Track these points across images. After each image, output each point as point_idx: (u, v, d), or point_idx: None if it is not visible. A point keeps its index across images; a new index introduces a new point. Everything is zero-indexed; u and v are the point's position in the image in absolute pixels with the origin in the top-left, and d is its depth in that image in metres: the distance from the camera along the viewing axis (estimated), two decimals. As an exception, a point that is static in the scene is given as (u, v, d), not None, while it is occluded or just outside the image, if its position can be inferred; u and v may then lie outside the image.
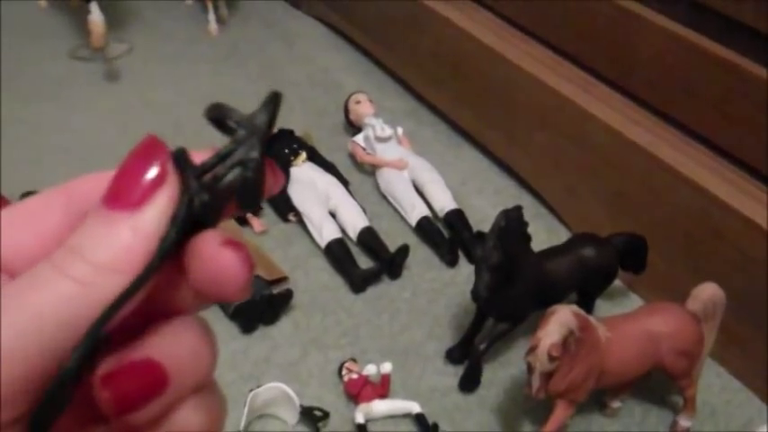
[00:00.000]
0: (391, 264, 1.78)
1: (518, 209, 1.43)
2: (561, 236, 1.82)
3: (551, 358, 1.25)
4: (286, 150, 1.97)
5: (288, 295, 1.67)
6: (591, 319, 1.34)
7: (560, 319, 1.27)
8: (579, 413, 1.50)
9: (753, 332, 1.55)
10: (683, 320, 1.39)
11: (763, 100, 1.52)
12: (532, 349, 1.26)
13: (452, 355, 1.61)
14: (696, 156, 1.66)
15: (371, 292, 1.77)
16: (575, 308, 1.31)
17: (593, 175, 1.84)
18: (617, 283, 1.77)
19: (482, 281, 1.39)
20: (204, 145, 0.27)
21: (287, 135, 2.03)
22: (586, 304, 1.56)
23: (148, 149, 0.26)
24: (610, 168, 1.79)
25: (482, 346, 1.52)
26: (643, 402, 1.56)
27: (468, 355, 1.57)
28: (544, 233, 1.85)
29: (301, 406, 1.45)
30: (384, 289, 1.78)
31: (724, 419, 1.54)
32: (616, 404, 1.53)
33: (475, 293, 1.41)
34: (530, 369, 1.29)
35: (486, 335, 1.53)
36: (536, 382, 1.28)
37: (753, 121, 1.56)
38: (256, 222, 1.92)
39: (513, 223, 1.40)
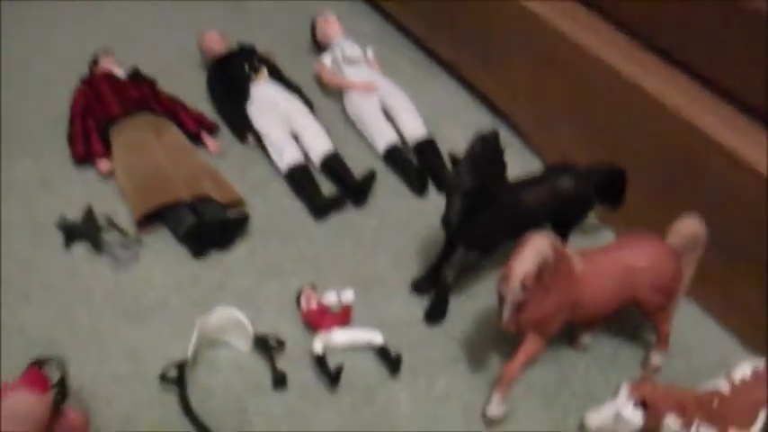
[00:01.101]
0: (357, 191, 1.68)
1: (495, 134, 1.34)
2: (534, 168, 1.73)
3: (524, 288, 1.17)
4: (246, 66, 1.85)
5: (243, 219, 1.57)
6: (566, 249, 1.26)
7: (535, 248, 1.18)
8: (549, 346, 1.43)
9: (730, 270, 1.49)
10: (661, 255, 1.32)
11: (754, 32, 1.44)
12: (505, 278, 1.18)
13: (418, 286, 1.53)
14: (680, 87, 1.57)
15: (334, 219, 1.68)
16: (550, 236, 1.22)
17: (570, 105, 1.75)
18: (591, 218, 1.69)
19: (453, 207, 1.31)
20: None
21: (247, 50, 1.90)
22: (561, 236, 1.48)
23: None
24: (588, 97, 1.70)
25: (450, 276, 1.44)
26: (614, 338, 1.50)
27: (435, 286, 1.49)
28: (517, 165, 1.75)
29: (255, 334, 1.36)
30: (348, 217, 1.69)
31: (697, 357, 1.48)
32: (587, 339, 1.46)
33: (445, 220, 1.32)
34: (501, 299, 1.21)
35: (454, 265, 1.45)
36: (507, 312, 1.20)
37: (741, 54, 1.48)
38: (211, 143, 1.81)
39: (489, 148, 1.31)
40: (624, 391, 1.06)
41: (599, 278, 1.28)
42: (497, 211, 1.37)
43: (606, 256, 1.31)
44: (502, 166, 1.36)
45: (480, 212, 1.34)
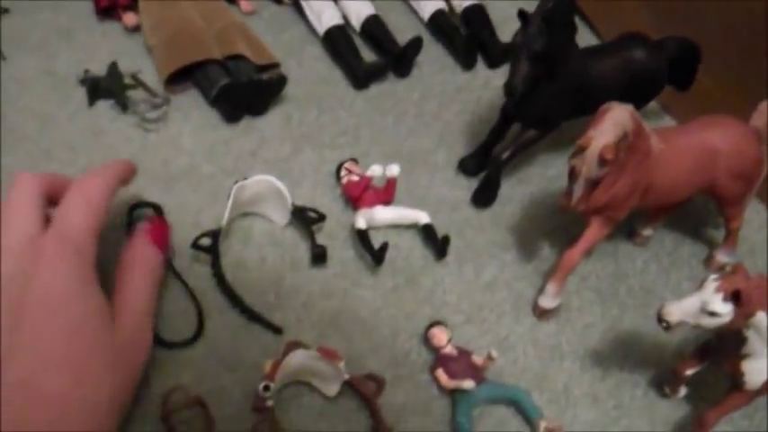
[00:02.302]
0: (400, 59, 1.54)
1: (569, -11, 1.19)
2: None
3: (603, 162, 1.04)
4: None
5: (280, 81, 1.43)
6: (645, 125, 1.13)
7: (617, 118, 1.05)
8: (606, 239, 1.31)
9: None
10: (744, 138, 1.20)
11: None
12: (581, 149, 1.05)
13: (466, 166, 1.41)
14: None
15: (375, 89, 1.54)
16: (632, 108, 1.09)
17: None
18: (651, 103, 1.56)
19: (520, 71, 1.17)
20: None
21: None
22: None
23: None
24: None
25: (504, 156, 1.31)
26: (675, 232, 1.39)
27: (485, 167, 1.37)
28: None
29: (293, 205, 1.25)
30: (390, 87, 1.55)
31: (763, 257, 1.38)
32: (647, 232, 1.35)
33: (509, 87, 1.18)
34: (572, 174, 1.08)
35: (509, 143, 1.32)
36: (579, 189, 1.08)
37: None
38: (244, 2, 1.65)
39: (562, 5, 1.16)
40: (712, 283, 0.95)
41: (677, 159, 1.16)
42: (565, 82, 1.23)
43: (686, 137, 1.18)
44: (573, 29, 1.22)
45: (547, 81, 1.21)
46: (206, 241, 1.18)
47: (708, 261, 1.34)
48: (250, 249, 1.24)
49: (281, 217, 1.26)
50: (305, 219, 1.25)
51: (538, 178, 1.41)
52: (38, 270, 0.85)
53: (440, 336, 1.14)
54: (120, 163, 1.11)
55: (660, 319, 0.97)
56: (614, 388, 1.18)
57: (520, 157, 1.36)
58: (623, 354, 1.21)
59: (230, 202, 1.19)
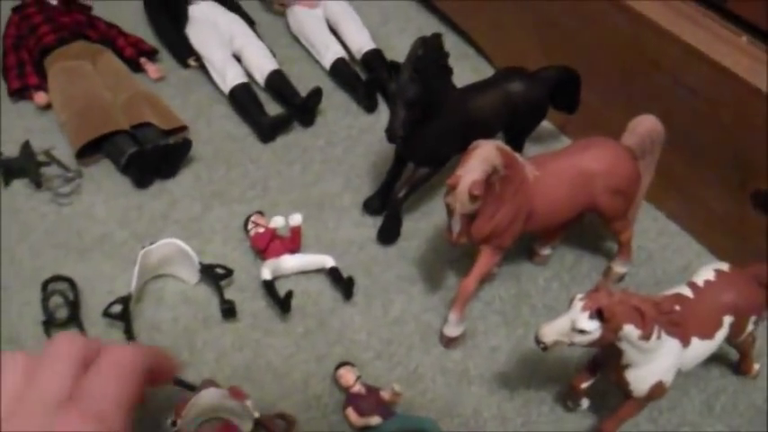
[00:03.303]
0: (303, 109, 1.61)
1: (437, 36, 1.26)
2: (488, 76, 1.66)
3: (473, 198, 1.10)
4: (183, -15, 1.75)
5: (186, 144, 1.49)
6: (517, 155, 1.19)
7: (483, 155, 1.12)
8: (507, 261, 1.39)
9: (690, 171, 1.44)
10: (617, 156, 1.26)
11: None
12: (451, 188, 1.12)
13: (370, 206, 1.47)
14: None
15: (281, 141, 1.60)
16: (499, 143, 1.16)
17: (521, 7, 1.66)
18: (547, 124, 1.63)
19: (397, 118, 1.23)
20: None
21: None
22: (515, 145, 1.41)
23: None
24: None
25: (401, 194, 1.38)
26: (574, 249, 1.45)
27: (387, 205, 1.43)
28: (470, 74, 1.69)
29: (201, 263, 1.30)
30: (295, 137, 1.61)
31: (661, 264, 1.44)
32: (546, 251, 1.41)
33: (390, 132, 1.25)
34: (449, 211, 1.15)
35: (405, 182, 1.39)
36: (456, 225, 1.14)
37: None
38: (152, 68, 1.72)
39: (431, 52, 1.24)
40: (578, 301, 1.01)
41: (553, 184, 1.22)
42: (445, 121, 1.30)
43: (560, 161, 1.25)
44: (447, 71, 1.28)
45: (427, 123, 1.27)
46: (117, 308, 1.24)
47: (606, 273, 1.40)
48: (163, 310, 1.29)
49: (190, 276, 1.32)
50: (213, 275, 1.30)
51: (440, 211, 1.45)
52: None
53: (347, 376, 1.19)
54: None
55: (537, 341, 1.02)
56: (522, 407, 1.23)
57: (420, 192, 1.43)
58: (529, 373, 1.27)
59: (137, 268, 1.25)
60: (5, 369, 0.91)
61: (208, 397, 1.09)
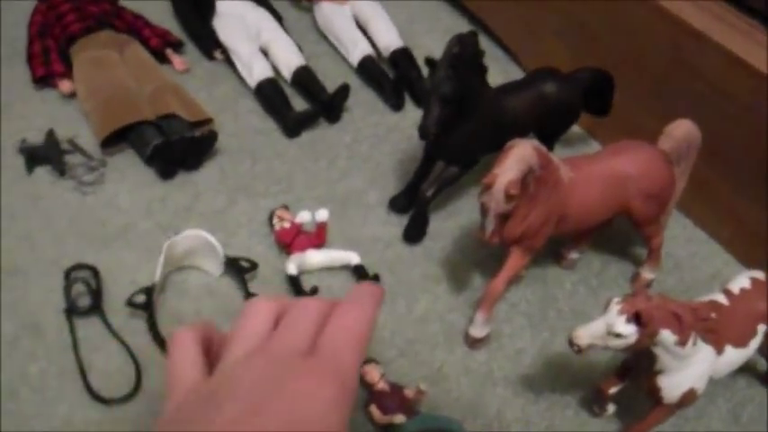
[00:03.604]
0: (330, 105, 1.59)
1: (473, 33, 1.25)
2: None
3: (509, 197, 1.09)
4: (211, -23, 1.74)
5: (211, 137, 1.48)
6: (553, 156, 1.18)
7: (520, 154, 1.10)
8: (534, 264, 1.38)
9: (722, 179, 1.42)
10: (653, 160, 1.25)
11: None
12: (487, 187, 1.10)
13: (396, 204, 1.45)
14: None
15: (307, 136, 1.59)
16: (536, 143, 1.14)
17: (552, 7, 1.65)
18: (577, 128, 1.62)
19: (431, 114, 1.22)
20: None
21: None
22: (546, 147, 1.39)
23: None
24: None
25: (429, 193, 1.36)
26: (602, 254, 1.44)
27: (414, 204, 1.41)
28: (500, 77, 1.67)
29: (226, 256, 1.29)
30: (321, 133, 1.60)
31: (689, 272, 1.43)
32: (574, 255, 1.40)
33: (423, 129, 1.23)
34: (483, 210, 1.13)
35: (433, 180, 1.37)
36: (490, 224, 1.13)
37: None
38: (177, 60, 1.71)
39: (468, 50, 1.22)
40: (615, 305, 0.99)
41: (588, 186, 1.21)
42: (478, 120, 1.29)
43: (595, 164, 1.23)
44: (482, 70, 1.27)
45: (460, 121, 1.26)
46: (141, 298, 1.22)
47: (634, 279, 1.39)
48: (186, 302, 1.28)
49: (215, 268, 1.30)
50: (238, 268, 1.29)
51: (467, 211, 1.46)
52: (297, 386, 0.70)
53: (372, 373, 1.18)
54: (374, 287, 1.09)
55: (571, 344, 1.01)
56: (546, 410, 1.21)
57: (448, 191, 1.41)
58: (554, 376, 1.25)
59: (161, 258, 1.23)
60: (250, 313, 0.88)
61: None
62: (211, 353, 0.97)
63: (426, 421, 1.15)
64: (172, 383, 0.87)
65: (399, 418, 1.12)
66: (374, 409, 1.15)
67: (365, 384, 1.19)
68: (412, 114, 1.64)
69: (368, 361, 1.20)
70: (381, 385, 1.17)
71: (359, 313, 1.00)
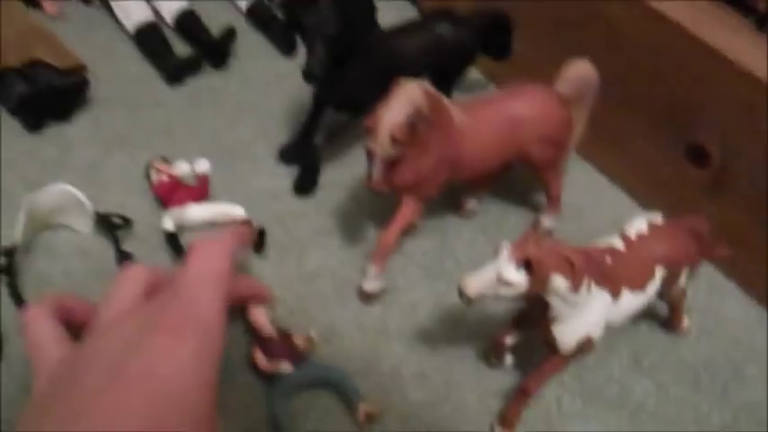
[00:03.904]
0: (215, 50, 1.49)
1: (358, -32, 1.17)
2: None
3: (394, 141, 1.02)
4: None
5: (83, 84, 1.37)
6: (443, 98, 1.11)
7: (406, 96, 1.03)
8: (431, 214, 1.32)
9: (623, 122, 1.39)
10: (549, 103, 1.19)
11: None
12: (371, 130, 1.03)
13: (285, 155, 1.37)
14: None
15: (191, 84, 1.49)
16: (425, 84, 1.07)
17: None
18: (477, 74, 1.56)
19: (315, 56, 1.14)
20: None
21: None
22: (443, 92, 1.32)
23: None
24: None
25: (319, 141, 1.29)
26: (501, 202, 1.39)
27: (304, 154, 1.33)
28: (394, 17, 1.59)
29: (96, 213, 1.19)
30: (206, 81, 1.50)
31: (591, 218, 1.39)
32: (472, 204, 1.34)
33: (307, 72, 1.15)
34: (369, 156, 1.06)
35: (323, 129, 1.30)
36: (377, 171, 1.06)
37: None
38: (49, 4, 1.58)
39: (353, -15, 1.14)
40: (505, 251, 0.93)
41: (481, 130, 1.15)
42: (368, 63, 1.21)
43: (489, 107, 1.17)
44: (370, 8, 1.19)
45: (348, 64, 1.18)
46: (1, 260, 1.12)
47: (534, 227, 1.34)
48: (54, 263, 1.18)
49: (85, 226, 1.20)
50: (110, 225, 1.19)
51: (361, 160, 1.39)
52: (153, 341, 0.66)
53: (258, 316, 1.09)
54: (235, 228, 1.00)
55: (461, 294, 0.95)
56: (443, 364, 1.16)
57: (341, 140, 1.34)
58: (451, 329, 1.20)
59: (21, 216, 1.13)
60: (120, 281, 0.82)
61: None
62: (75, 322, 0.88)
63: (313, 370, 1.09)
64: (36, 365, 0.80)
65: (285, 367, 1.05)
66: (258, 355, 1.07)
67: (251, 329, 1.11)
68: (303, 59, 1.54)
69: (255, 304, 1.12)
70: (269, 331, 1.09)
71: (213, 252, 0.93)
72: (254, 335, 1.09)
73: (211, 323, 0.76)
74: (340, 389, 1.09)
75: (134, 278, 0.91)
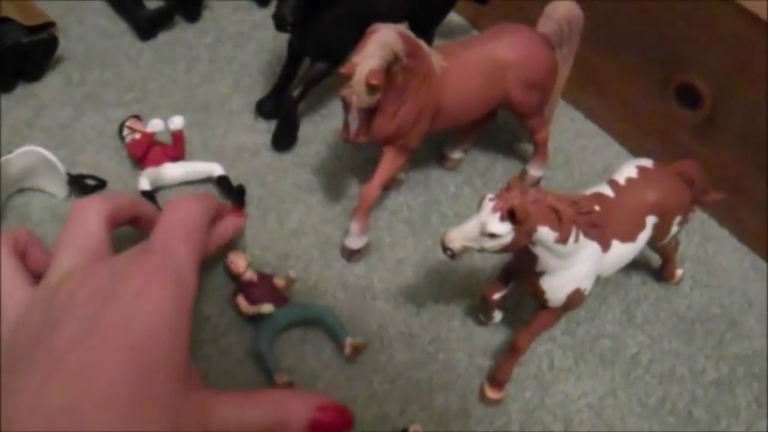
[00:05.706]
0: (187, 1, 1.44)
1: None
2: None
3: (371, 88, 0.97)
4: None
5: (51, 42, 1.32)
6: (422, 43, 1.06)
7: (382, 40, 0.99)
8: (415, 167, 1.28)
9: (611, 66, 1.34)
10: (533, 45, 1.15)
11: None
12: (346, 78, 0.98)
13: (263, 108, 1.32)
14: None
15: (163, 38, 1.44)
16: (401, 28, 1.03)
17: None
18: (458, 18, 1.51)
19: (286, 1, 1.09)
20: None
21: None
22: (424, 38, 1.27)
23: None
24: None
25: (296, 93, 1.24)
26: (487, 152, 1.35)
27: (282, 107, 1.29)
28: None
29: (69, 174, 1.15)
30: (179, 34, 1.45)
31: (579, 167, 1.35)
32: (457, 155, 1.30)
33: (278, 18, 1.10)
34: (345, 107, 1.02)
35: (300, 79, 1.25)
36: (354, 122, 1.01)
37: None
38: (14, -42, 1.51)
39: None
40: (488, 202, 0.89)
41: (464, 76, 1.10)
42: (342, 7, 1.16)
43: (470, 51, 1.13)
44: (344, -49, 1.14)
45: (322, 8, 1.13)
46: (-30, 227, 1.08)
47: (521, 177, 1.30)
48: (28, 228, 1.13)
49: (59, 189, 1.16)
50: (83, 187, 1.15)
51: (341, 112, 1.34)
52: (128, 288, 0.68)
53: (237, 261, 1.09)
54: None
55: (444, 248, 0.91)
56: (430, 322, 1.13)
57: (319, 91, 1.29)
58: (438, 285, 1.17)
59: (-7, 180, 1.09)
60: (77, 217, 0.82)
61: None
62: (30, 263, 0.85)
63: (299, 310, 1.09)
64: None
65: (267, 308, 1.04)
66: (241, 300, 1.07)
67: (231, 275, 1.09)
68: (281, 10, 1.49)
69: (233, 250, 1.10)
70: (248, 275, 1.09)
71: (188, 206, 0.93)
72: (235, 281, 1.09)
73: (185, 272, 0.75)
74: (326, 325, 1.08)
75: (93, 214, 0.89)
